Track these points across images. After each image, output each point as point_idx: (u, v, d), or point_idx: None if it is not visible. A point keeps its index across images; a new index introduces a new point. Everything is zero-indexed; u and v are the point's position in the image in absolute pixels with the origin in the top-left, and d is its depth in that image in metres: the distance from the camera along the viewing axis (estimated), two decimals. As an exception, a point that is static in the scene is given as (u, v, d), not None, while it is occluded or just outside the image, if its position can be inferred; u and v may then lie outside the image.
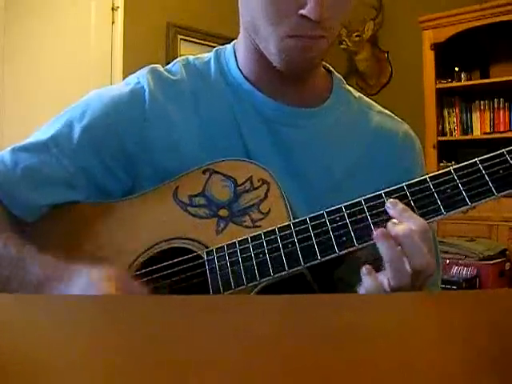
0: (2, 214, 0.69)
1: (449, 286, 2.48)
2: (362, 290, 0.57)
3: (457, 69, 3.34)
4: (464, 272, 2.57)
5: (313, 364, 0.26)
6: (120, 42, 2.97)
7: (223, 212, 0.66)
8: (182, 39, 3.29)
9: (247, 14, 0.69)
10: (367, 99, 0.83)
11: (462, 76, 3.33)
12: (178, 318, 0.37)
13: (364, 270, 0.57)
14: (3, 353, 0.28)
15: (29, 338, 0.31)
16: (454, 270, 2.58)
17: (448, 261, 2.61)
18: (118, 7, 2.96)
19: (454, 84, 3.33)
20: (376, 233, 0.57)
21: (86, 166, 0.71)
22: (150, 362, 0.26)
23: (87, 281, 0.58)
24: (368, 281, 0.57)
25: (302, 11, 0.63)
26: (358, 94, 0.82)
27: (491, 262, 2.61)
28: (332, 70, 0.82)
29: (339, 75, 0.82)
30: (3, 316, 0.37)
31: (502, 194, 0.57)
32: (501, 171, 0.58)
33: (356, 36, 3.71)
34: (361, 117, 0.79)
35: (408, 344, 0.30)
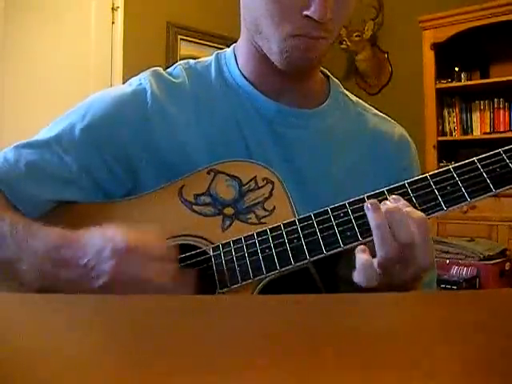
0: (6, 205, 0.69)
1: (449, 286, 2.48)
2: (355, 273, 0.58)
3: (457, 69, 3.34)
4: (464, 272, 2.57)
5: (313, 364, 0.26)
6: (120, 42, 2.97)
7: (228, 210, 0.67)
8: (182, 39, 3.29)
9: (249, 13, 0.70)
10: (363, 102, 0.84)
11: (462, 76, 3.33)
12: (178, 318, 0.37)
13: (359, 247, 0.58)
14: (3, 354, 0.28)
15: (28, 339, 0.31)
16: (454, 270, 2.58)
17: (448, 261, 2.61)
18: (118, 7, 2.96)
19: (454, 84, 3.33)
20: (367, 204, 0.59)
21: (87, 166, 0.71)
22: (149, 363, 0.26)
23: (101, 240, 0.58)
24: (360, 257, 0.57)
25: (306, 12, 0.63)
26: (354, 98, 0.84)
27: (491, 262, 2.61)
28: (329, 74, 0.83)
29: (337, 80, 0.83)
30: (3, 316, 0.37)
31: (500, 190, 0.59)
32: (498, 169, 0.60)
33: (356, 36, 3.71)
34: (358, 119, 0.80)
35: (408, 344, 0.30)
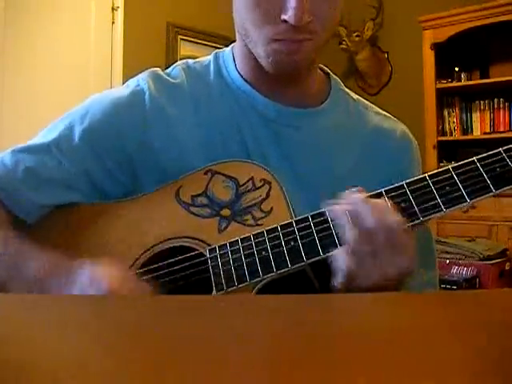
0: (2, 214, 0.69)
1: (449, 286, 2.48)
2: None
3: (457, 69, 3.35)
4: (464, 272, 2.57)
5: (312, 364, 0.26)
6: (120, 42, 2.97)
7: (225, 211, 0.67)
8: (182, 39, 3.29)
9: (238, 17, 0.70)
10: (365, 100, 0.84)
11: (462, 76, 3.33)
12: (177, 318, 0.37)
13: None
14: (3, 354, 0.28)
15: (26, 339, 0.31)
16: (454, 270, 2.58)
17: (448, 261, 2.61)
18: (118, 7, 2.96)
19: (454, 84, 3.33)
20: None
21: (86, 169, 0.71)
22: (149, 364, 0.26)
23: (88, 278, 0.58)
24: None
25: (283, 16, 0.63)
26: (355, 96, 0.83)
27: (491, 262, 2.61)
28: (330, 72, 0.82)
29: (337, 77, 0.83)
30: (3, 316, 0.37)
31: (500, 190, 0.58)
32: (498, 169, 0.59)
33: (356, 36, 3.71)
34: (359, 117, 0.80)
35: (408, 344, 0.30)
